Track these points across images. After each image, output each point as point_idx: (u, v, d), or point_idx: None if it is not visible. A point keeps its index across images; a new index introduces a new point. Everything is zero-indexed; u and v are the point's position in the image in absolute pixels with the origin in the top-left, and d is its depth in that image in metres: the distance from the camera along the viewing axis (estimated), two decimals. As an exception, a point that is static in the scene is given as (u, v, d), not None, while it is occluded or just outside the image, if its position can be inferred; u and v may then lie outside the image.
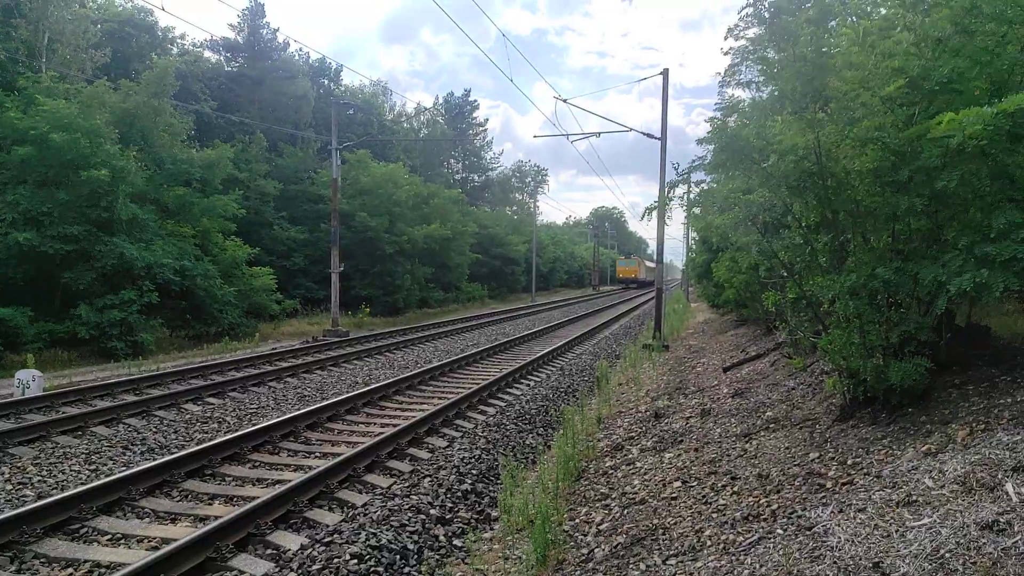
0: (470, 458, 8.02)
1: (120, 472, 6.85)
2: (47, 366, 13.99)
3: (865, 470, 5.10)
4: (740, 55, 8.35)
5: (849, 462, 5.41)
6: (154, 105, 21.40)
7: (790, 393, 8.79)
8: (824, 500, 4.78)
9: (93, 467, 7.34)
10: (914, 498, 4.15)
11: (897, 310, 6.22)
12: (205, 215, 21.91)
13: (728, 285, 16.18)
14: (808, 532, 4.27)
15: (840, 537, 3.97)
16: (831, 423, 6.74)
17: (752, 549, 4.36)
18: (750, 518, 4.93)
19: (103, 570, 5.03)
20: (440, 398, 11.34)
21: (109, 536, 5.64)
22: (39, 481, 6.85)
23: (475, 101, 71.64)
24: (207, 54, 37.55)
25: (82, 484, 6.64)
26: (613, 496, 6.55)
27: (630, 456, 7.82)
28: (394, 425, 9.22)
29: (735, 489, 5.69)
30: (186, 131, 24.22)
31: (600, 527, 5.82)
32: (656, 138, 21.37)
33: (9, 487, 6.62)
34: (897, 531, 3.81)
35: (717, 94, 21.07)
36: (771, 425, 7.43)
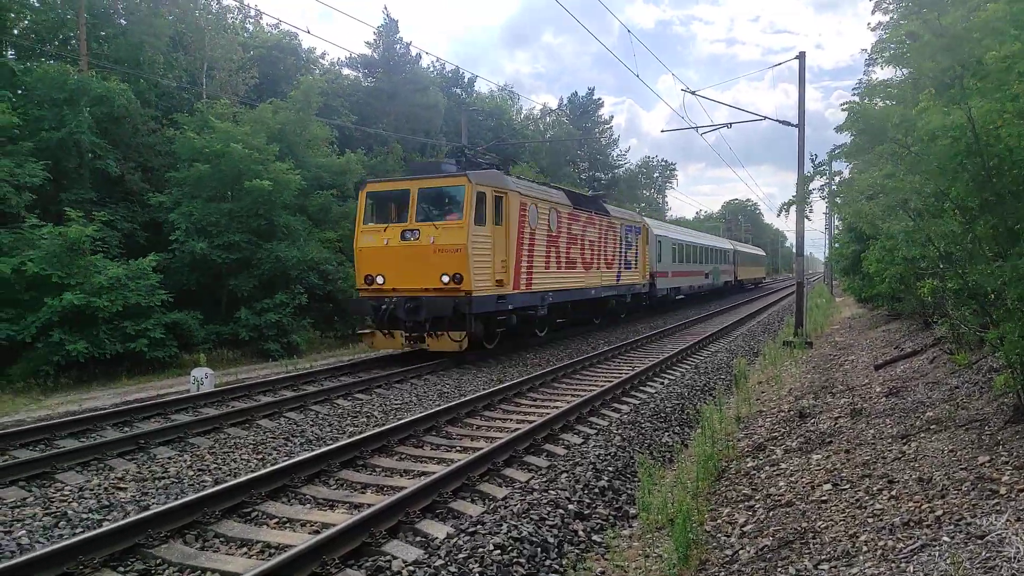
0: (605, 455, 8.04)
1: (283, 461, 7.45)
2: (215, 365, 15.42)
3: (1046, 476, 4.65)
4: (889, 29, 7.83)
5: (1027, 467, 4.94)
6: (300, 119, 23.14)
7: (953, 392, 8.12)
8: (998, 507, 4.40)
9: (260, 456, 8.04)
10: (1108, 507, 3.74)
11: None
12: (343, 219, 23.34)
13: (879, 278, 15.15)
14: (979, 541, 3.96)
15: (1019, 547, 3.66)
16: (1003, 424, 6.18)
17: (914, 557, 4.10)
18: (911, 524, 4.63)
19: (273, 550, 5.50)
20: (573, 395, 11.42)
21: (276, 520, 6.16)
22: (215, 468, 7.59)
23: (599, 99, 71.29)
24: (345, 71, 39.90)
25: (252, 471, 7.28)
26: (757, 497, 6.34)
27: (773, 457, 7.53)
28: (529, 421, 9.39)
29: (892, 493, 5.35)
30: (328, 141, 25.94)
31: (744, 528, 5.67)
32: (792, 125, 20.36)
33: (191, 473, 7.38)
34: (1088, 543, 3.46)
35: (863, 73, 19.75)
36: (932, 426, 6.90)
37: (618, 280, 23.46)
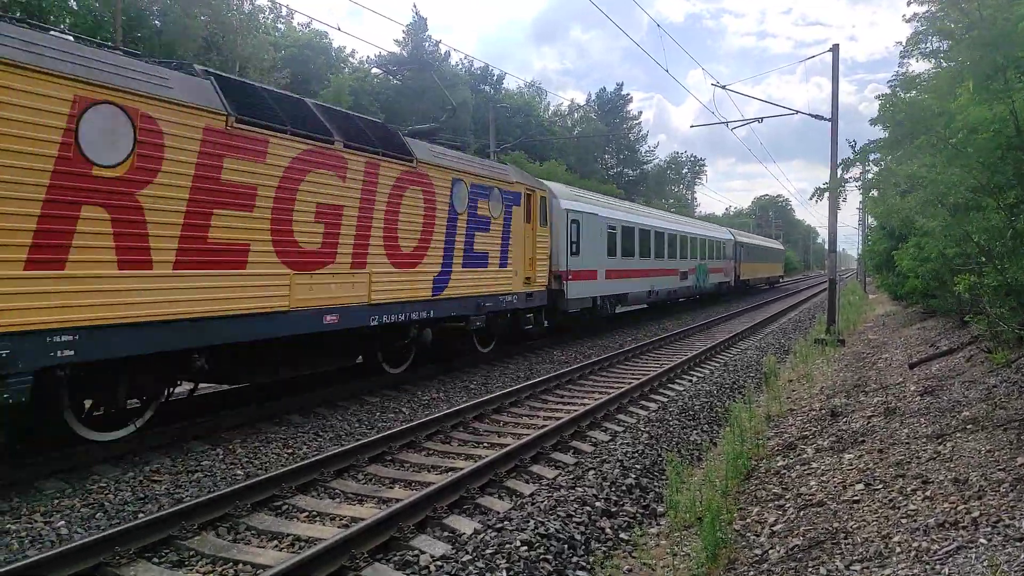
0: (633, 452, 8.00)
1: (313, 456, 7.54)
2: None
3: (1089, 478, 4.52)
4: (925, 21, 7.67)
5: (1068, 468, 4.81)
6: None
7: (991, 391, 7.93)
8: (1037, 509, 4.30)
9: (290, 451, 8.15)
10: None
11: None
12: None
13: (913, 275, 14.89)
14: (1019, 543, 3.87)
15: (1059, 550, 3.57)
16: (1044, 425, 6.02)
17: (950, 559, 4.02)
18: (946, 525, 4.54)
19: (303, 543, 5.57)
20: (600, 393, 11.39)
21: (307, 513, 6.24)
22: (247, 462, 7.70)
23: (627, 95, 70.97)
24: (374, 70, 40.20)
25: (283, 466, 7.38)
26: (787, 497, 6.27)
27: (804, 456, 7.43)
28: (556, 418, 9.39)
29: (927, 493, 5.25)
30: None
31: (774, 528, 5.60)
32: (825, 119, 20.03)
33: (223, 466, 7.50)
34: None
35: (898, 66, 19.35)
36: (968, 426, 6.75)
37: (439, 289, 12.27)
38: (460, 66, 45.24)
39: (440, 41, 49.27)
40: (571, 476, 7.12)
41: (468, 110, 39.03)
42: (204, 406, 9.96)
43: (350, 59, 41.67)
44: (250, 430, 8.91)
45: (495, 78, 47.32)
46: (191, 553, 5.37)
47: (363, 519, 5.75)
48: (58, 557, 4.88)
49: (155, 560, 5.24)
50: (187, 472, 7.25)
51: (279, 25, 38.95)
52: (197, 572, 5.14)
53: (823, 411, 9.29)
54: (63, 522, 5.85)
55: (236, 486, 6.37)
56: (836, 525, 5.17)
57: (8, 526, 5.69)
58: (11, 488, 6.49)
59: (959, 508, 4.76)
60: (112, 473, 7.10)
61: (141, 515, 5.99)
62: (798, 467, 7.06)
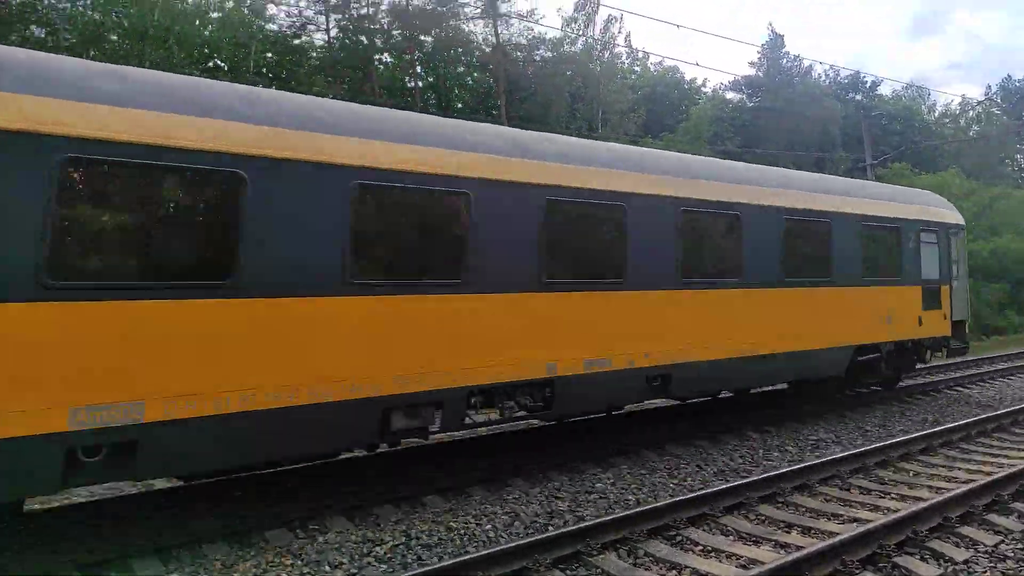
0: (1108, 526, 6.29)
1: (701, 489, 7.47)
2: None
3: None
4: None
5: None
6: (689, 149, 23.85)
7: None
8: None
9: (676, 481, 8.20)
10: None
11: None
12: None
13: None
14: None
15: None
16: None
17: None
18: None
19: (701, 578, 5.51)
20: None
21: (701, 547, 6.17)
22: (635, 488, 7.95)
23: (1045, 79, 58.24)
24: (728, 95, 39.63)
25: (670, 496, 7.46)
26: None
27: None
28: (986, 473, 7.88)
29: None
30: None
31: None
32: None
33: (615, 491, 7.85)
34: None
35: None
36: None
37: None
38: (824, 77, 42.07)
39: (799, 55, 46.46)
40: (1019, 545, 5.87)
41: (836, 123, 35.93)
42: (595, 433, 10.62)
43: (702, 89, 41.71)
44: (636, 458, 9.20)
45: (867, 85, 42.89)
46: (598, 571, 5.68)
47: (763, 562, 5.50)
48: (489, 557, 5.57)
49: (568, 572, 5.66)
50: (584, 492, 7.76)
51: (635, 67, 40.85)
52: (605, 591, 5.41)
53: None
54: (490, 526, 6.70)
55: (630, 511, 6.60)
56: None
57: (450, 523, 6.72)
58: (448, 491, 7.67)
59: None
60: (522, 486, 7.94)
61: (550, 528, 6.57)
62: None
